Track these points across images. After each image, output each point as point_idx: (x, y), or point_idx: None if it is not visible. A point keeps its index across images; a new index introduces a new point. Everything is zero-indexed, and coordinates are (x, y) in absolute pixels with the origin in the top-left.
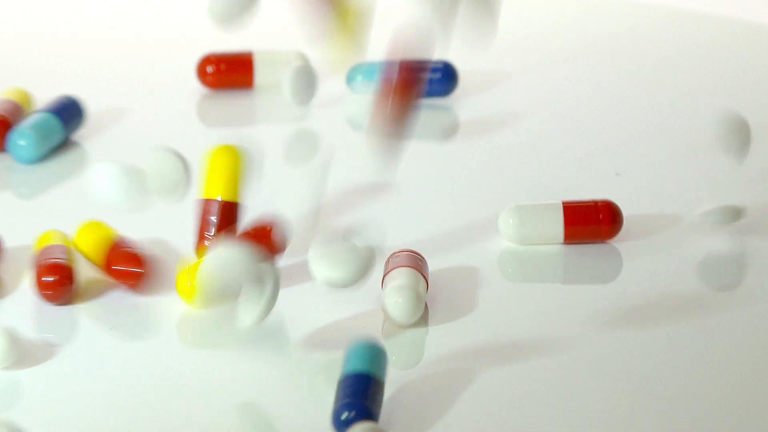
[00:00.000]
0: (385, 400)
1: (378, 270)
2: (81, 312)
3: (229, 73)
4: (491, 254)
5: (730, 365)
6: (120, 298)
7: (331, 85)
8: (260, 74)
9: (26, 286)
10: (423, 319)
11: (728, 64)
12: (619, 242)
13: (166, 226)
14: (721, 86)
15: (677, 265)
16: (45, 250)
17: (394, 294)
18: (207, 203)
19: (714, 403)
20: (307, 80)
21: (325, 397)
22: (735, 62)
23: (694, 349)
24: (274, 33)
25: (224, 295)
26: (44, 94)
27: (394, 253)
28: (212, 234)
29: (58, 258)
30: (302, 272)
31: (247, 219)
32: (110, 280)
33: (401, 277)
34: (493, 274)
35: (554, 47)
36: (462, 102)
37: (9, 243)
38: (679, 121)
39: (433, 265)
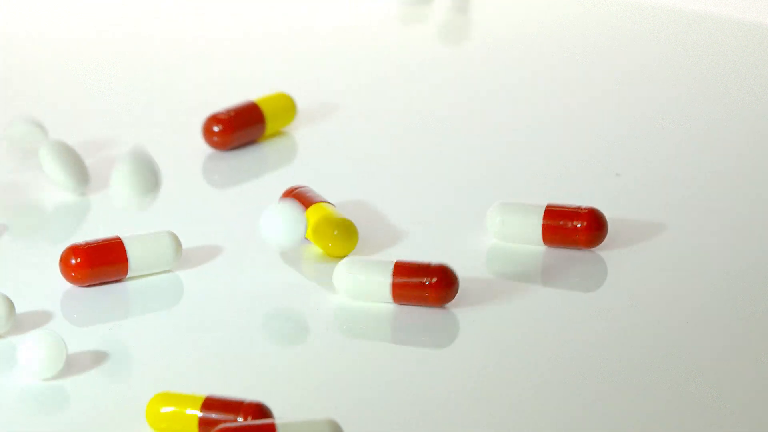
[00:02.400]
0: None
1: None
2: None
3: None
4: (482, 251)
5: (718, 371)
6: None
7: None
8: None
9: None
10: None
11: (728, 64)
12: (604, 250)
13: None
14: (721, 86)
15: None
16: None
17: None
18: None
19: (702, 408)
20: None
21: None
22: (735, 62)
23: (680, 353)
24: None
25: None
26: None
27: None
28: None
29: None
30: None
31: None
32: None
33: None
34: (480, 270)
35: (555, 47)
36: (463, 102)
37: None
38: (678, 121)
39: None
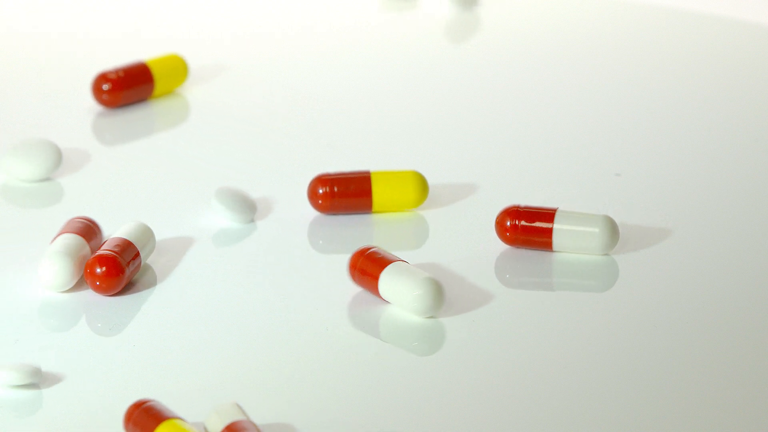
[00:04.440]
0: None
1: None
2: None
3: None
4: (489, 255)
5: (726, 376)
6: None
7: None
8: None
9: None
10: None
11: (728, 64)
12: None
13: None
14: (721, 86)
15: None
16: None
17: None
18: None
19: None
20: None
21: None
22: (735, 62)
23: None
24: None
25: None
26: None
27: None
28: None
29: None
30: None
31: None
32: None
33: None
34: (488, 276)
35: (556, 47)
36: (467, 98)
37: None
38: (678, 121)
39: (427, 261)
